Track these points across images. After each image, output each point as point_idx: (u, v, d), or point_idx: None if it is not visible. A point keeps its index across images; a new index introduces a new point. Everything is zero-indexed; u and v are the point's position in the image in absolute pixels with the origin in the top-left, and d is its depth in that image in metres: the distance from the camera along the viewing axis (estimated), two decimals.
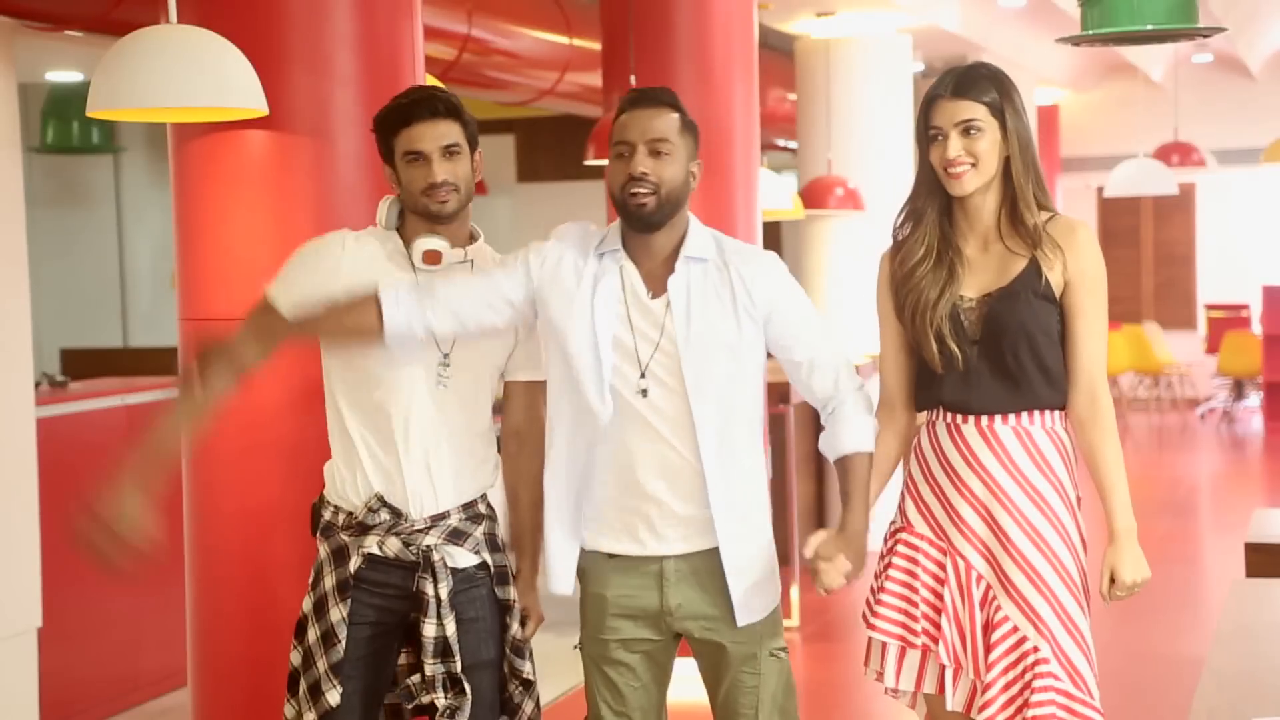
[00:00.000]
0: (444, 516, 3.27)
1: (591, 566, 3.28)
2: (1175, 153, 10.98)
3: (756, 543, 3.26)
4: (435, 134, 3.22)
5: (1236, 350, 14.57)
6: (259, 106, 3.43)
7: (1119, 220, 16.28)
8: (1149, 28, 3.55)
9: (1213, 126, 14.77)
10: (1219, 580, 8.02)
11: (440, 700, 3.22)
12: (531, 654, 3.39)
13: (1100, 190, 15.45)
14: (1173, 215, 16.13)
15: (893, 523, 3.35)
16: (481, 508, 3.34)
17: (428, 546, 3.24)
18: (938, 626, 3.23)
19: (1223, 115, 15.06)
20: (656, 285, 3.21)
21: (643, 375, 3.17)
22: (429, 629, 3.21)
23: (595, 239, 3.25)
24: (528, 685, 3.36)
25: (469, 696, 3.23)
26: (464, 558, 3.28)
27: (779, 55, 10.07)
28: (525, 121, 12.03)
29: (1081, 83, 14.69)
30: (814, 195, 8.65)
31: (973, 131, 3.17)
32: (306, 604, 3.32)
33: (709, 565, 3.22)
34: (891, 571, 3.31)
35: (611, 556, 3.24)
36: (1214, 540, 9.64)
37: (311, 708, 3.25)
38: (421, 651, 3.23)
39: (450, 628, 3.22)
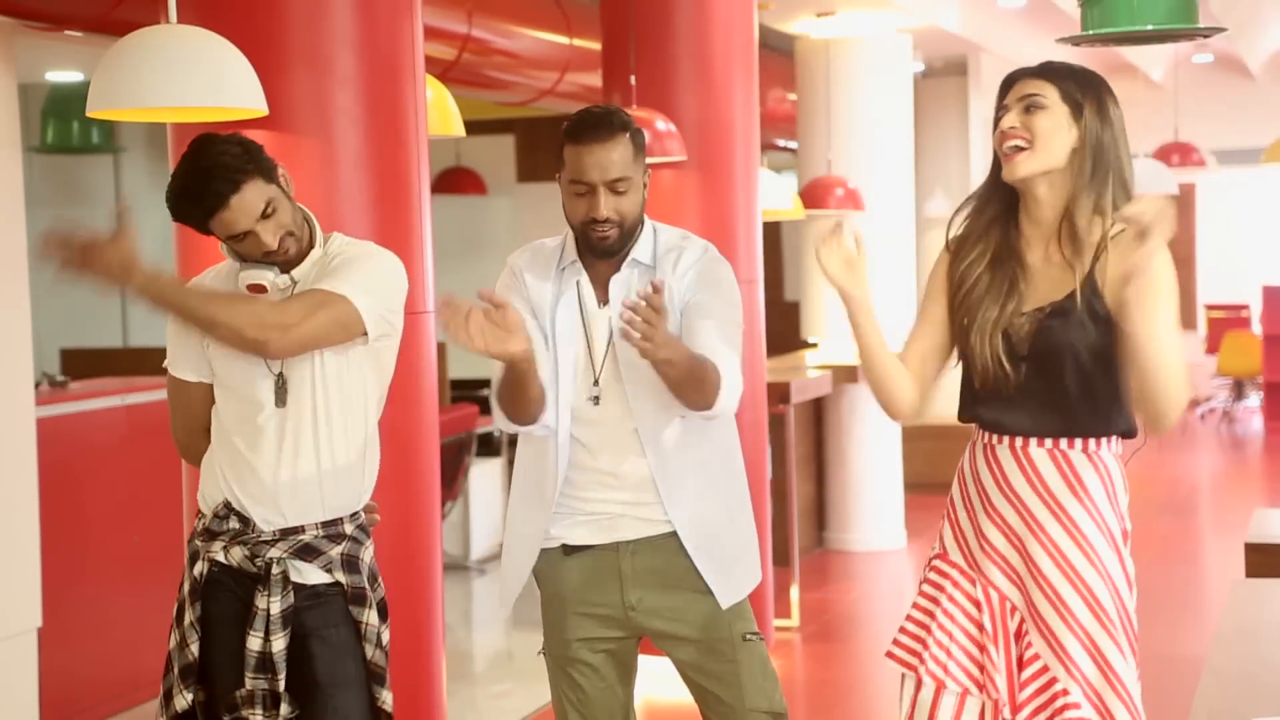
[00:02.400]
0: (297, 531, 3.16)
1: (548, 567, 3.28)
2: (1175, 153, 10.97)
3: (716, 522, 3.25)
4: (235, 216, 3.06)
5: (1236, 350, 14.57)
6: (259, 106, 3.43)
7: None
8: (1149, 28, 3.55)
9: (1213, 126, 14.76)
10: (1219, 580, 8.01)
11: (256, 717, 3.13)
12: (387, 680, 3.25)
13: None
14: None
15: (932, 548, 3.16)
16: (347, 528, 3.21)
17: (271, 559, 3.14)
18: (978, 665, 3.00)
19: (1223, 115, 15.06)
20: (605, 292, 3.25)
21: (595, 383, 3.21)
22: (253, 642, 3.11)
23: (554, 256, 3.27)
24: (379, 714, 3.24)
25: (287, 715, 3.12)
26: (313, 574, 3.17)
27: (779, 55, 10.07)
28: (525, 121, 12.02)
29: None
30: (814, 195, 8.65)
31: (1034, 108, 2.94)
32: (175, 609, 3.25)
33: (667, 554, 3.23)
34: (918, 599, 3.10)
35: (569, 552, 3.25)
36: (1214, 540, 9.64)
37: (164, 713, 3.18)
38: (244, 664, 3.12)
39: (277, 645, 3.11)
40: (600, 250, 3.19)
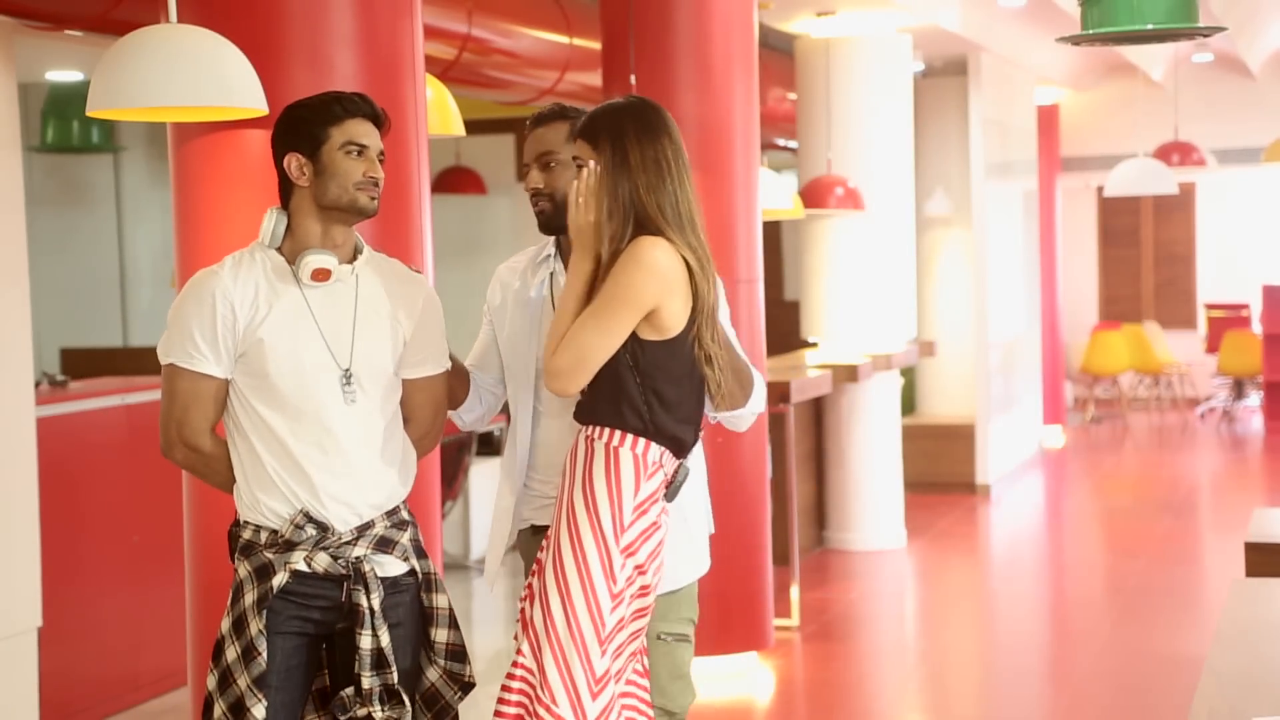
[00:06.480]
0: (369, 526, 3.23)
1: (525, 546, 3.49)
2: (1175, 152, 10.97)
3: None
4: (375, 135, 3.24)
5: (1236, 350, 14.57)
6: (259, 106, 3.43)
7: (1119, 220, 16.27)
8: (1149, 27, 3.55)
9: (1213, 126, 14.76)
10: (1219, 580, 8.02)
11: (378, 713, 3.18)
12: (470, 656, 3.37)
13: (1100, 190, 15.43)
14: (1173, 215, 16.12)
15: None
16: (404, 514, 3.32)
17: (357, 558, 3.20)
18: None
19: (1223, 115, 15.05)
20: None
21: None
22: (365, 641, 3.17)
23: (537, 253, 3.49)
24: (468, 688, 3.35)
25: (408, 707, 3.20)
26: (393, 565, 3.26)
27: (779, 55, 10.07)
28: (525, 121, 12.03)
29: (1081, 83, 14.68)
30: (814, 195, 8.65)
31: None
32: (225, 624, 3.23)
33: None
34: None
35: (537, 532, 3.42)
36: (1214, 540, 9.64)
37: None
38: (358, 664, 3.17)
39: (384, 639, 3.18)
40: (541, 226, 3.40)
